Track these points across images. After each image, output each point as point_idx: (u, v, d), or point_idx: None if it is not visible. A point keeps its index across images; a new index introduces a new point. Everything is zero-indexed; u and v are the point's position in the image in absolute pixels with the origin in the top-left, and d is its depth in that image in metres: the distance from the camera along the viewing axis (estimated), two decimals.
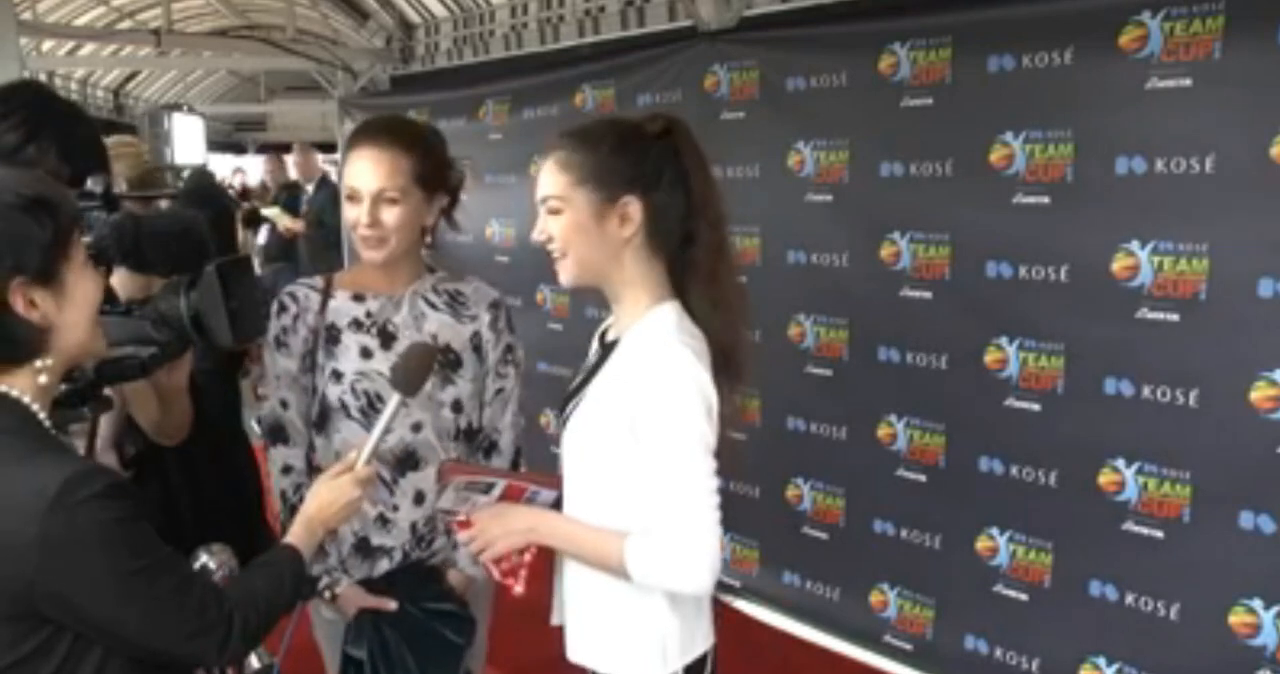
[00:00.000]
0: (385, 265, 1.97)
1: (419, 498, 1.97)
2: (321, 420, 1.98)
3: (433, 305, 2.01)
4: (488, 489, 1.69)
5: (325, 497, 1.57)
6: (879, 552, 3.35)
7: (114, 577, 1.20)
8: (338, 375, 1.95)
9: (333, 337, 1.96)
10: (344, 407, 1.95)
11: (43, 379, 1.26)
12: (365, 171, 1.90)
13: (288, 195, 7.84)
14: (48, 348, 1.25)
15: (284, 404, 1.99)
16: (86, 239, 1.59)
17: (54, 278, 1.24)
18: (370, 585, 1.96)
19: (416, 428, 1.96)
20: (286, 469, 1.99)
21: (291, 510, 1.97)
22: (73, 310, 1.26)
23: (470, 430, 2.03)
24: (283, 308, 1.99)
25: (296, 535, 1.53)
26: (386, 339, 1.96)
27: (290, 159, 8.39)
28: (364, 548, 1.99)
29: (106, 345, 1.40)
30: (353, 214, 1.92)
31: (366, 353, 1.95)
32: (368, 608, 1.93)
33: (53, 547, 1.16)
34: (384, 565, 1.99)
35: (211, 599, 1.29)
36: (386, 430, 1.63)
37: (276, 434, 2.00)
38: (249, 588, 1.38)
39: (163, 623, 1.25)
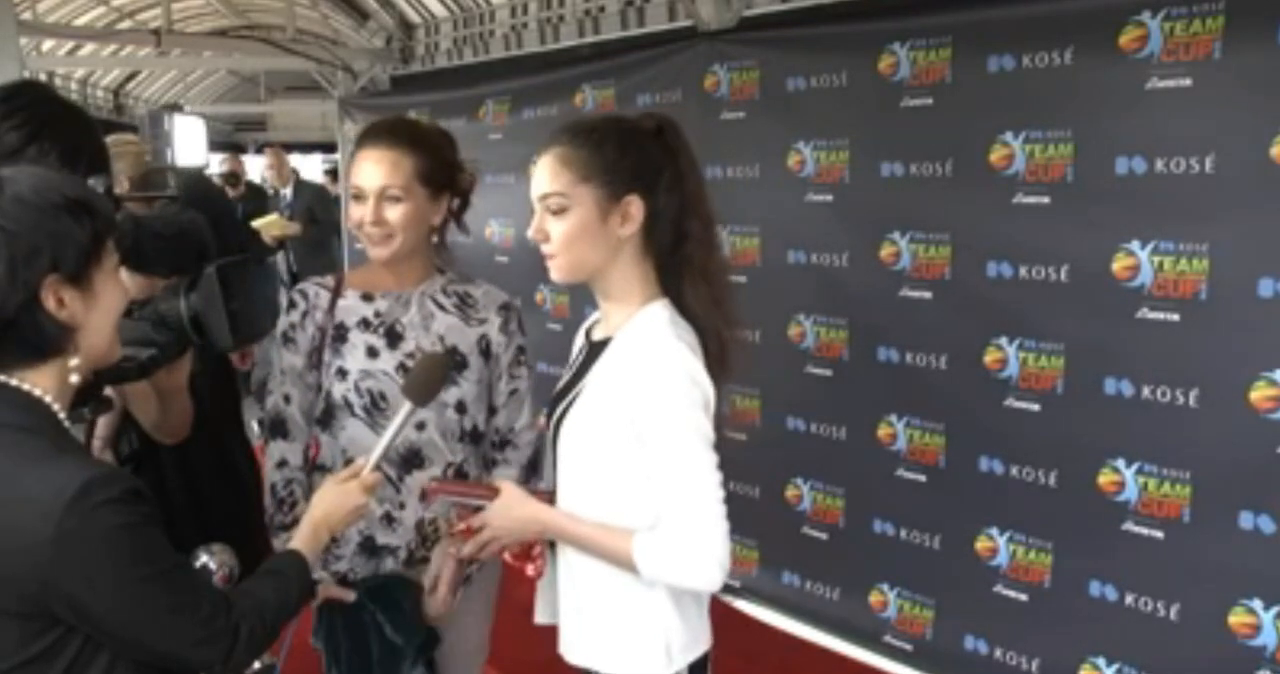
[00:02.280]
0: (393, 263, 1.99)
1: (424, 496, 1.99)
2: (327, 418, 2.00)
3: (441, 307, 2.03)
4: (476, 509, 1.70)
5: (332, 502, 1.58)
6: (878, 552, 3.35)
7: (124, 581, 1.21)
8: (343, 373, 1.97)
9: (340, 335, 1.99)
10: (348, 405, 1.97)
11: (74, 379, 1.28)
12: (369, 170, 1.94)
13: (254, 199, 7.63)
14: (72, 348, 1.27)
15: (287, 399, 2.01)
16: None
17: (85, 279, 1.26)
18: (342, 581, 1.95)
19: (420, 427, 1.97)
20: (281, 463, 2.01)
21: (279, 504, 1.99)
22: (98, 314, 1.29)
23: (475, 433, 2.04)
24: (292, 305, 2.02)
25: (302, 540, 1.53)
26: (393, 339, 1.98)
27: (264, 162, 8.27)
28: (369, 547, 2.00)
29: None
30: (357, 213, 1.95)
31: (372, 352, 1.97)
32: (330, 598, 1.91)
33: (67, 547, 1.17)
34: (389, 564, 2.00)
35: (220, 608, 1.30)
36: (395, 437, 1.64)
37: (277, 429, 2.02)
38: (257, 598, 1.38)
39: (171, 630, 1.26)
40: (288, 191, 7.51)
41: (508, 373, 2.07)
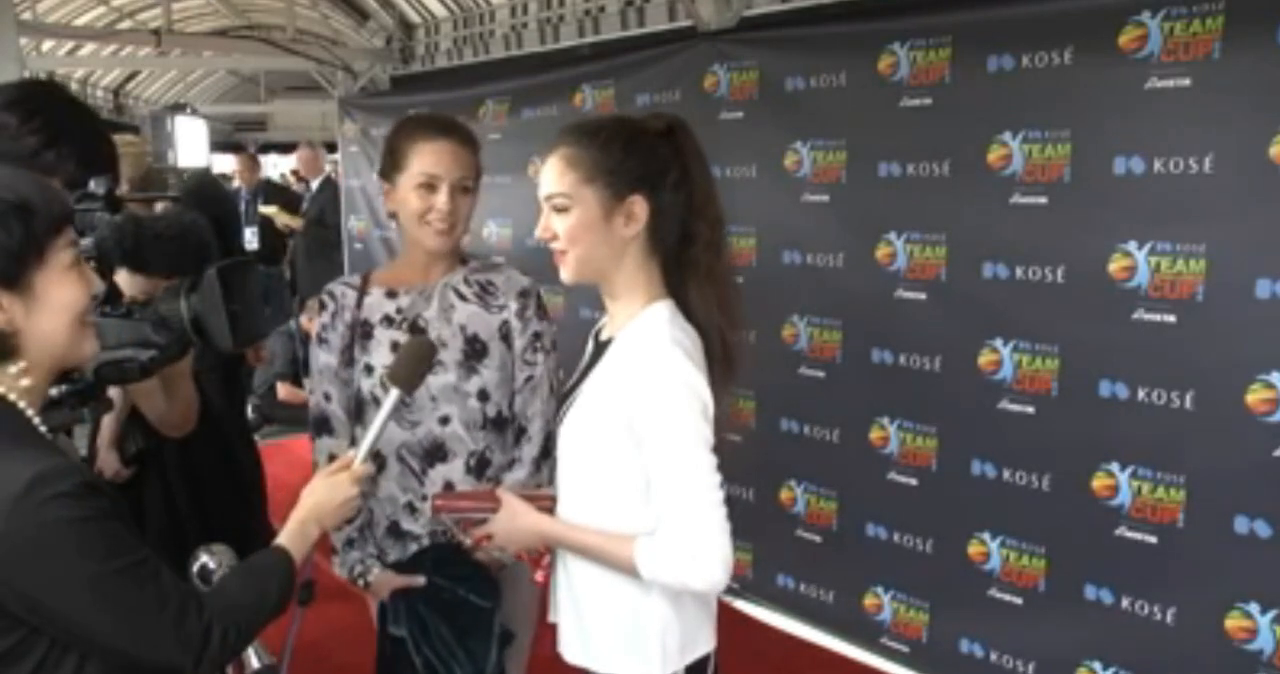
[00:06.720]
0: (436, 254, 2.05)
1: (448, 488, 2.04)
2: (357, 413, 2.07)
3: (462, 296, 2.08)
4: (480, 523, 1.72)
5: (321, 495, 1.54)
6: (872, 555, 3.35)
7: (81, 576, 1.18)
8: (369, 370, 2.03)
9: (366, 332, 2.05)
10: (375, 400, 2.02)
11: (25, 382, 1.24)
12: (448, 161, 2.00)
13: (280, 196, 7.74)
14: (17, 352, 1.23)
15: (326, 397, 2.08)
16: (86, 240, 1.59)
17: (20, 283, 1.22)
18: (399, 567, 2.04)
19: (444, 421, 2.02)
20: (331, 458, 2.04)
21: None
22: (47, 316, 1.24)
23: (500, 419, 2.08)
24: (323, 305, 2.10)
25: (289, 536, 1.48)
26: (416, 333, 2.03)
27: (293, 157, 8.34)
28: (396, 531, 2.07)
29: (99, 349, 1.37)
30: (426, 201, 1.99)
31: (396, 348, 2.02)
32: (399, 589, 2.01)
33: (17, 543, 1.14)
34: (414, 549, 2.06)
35: (191, 608, 1.25)
36: (385, 426, 1.64)
37: (321, 426, 2.08)
38: (232, 598, 1.34)
39: (134, 628, 1.21)
40: (315, 185, 7.55)
41: (522, 359, 2.10)
